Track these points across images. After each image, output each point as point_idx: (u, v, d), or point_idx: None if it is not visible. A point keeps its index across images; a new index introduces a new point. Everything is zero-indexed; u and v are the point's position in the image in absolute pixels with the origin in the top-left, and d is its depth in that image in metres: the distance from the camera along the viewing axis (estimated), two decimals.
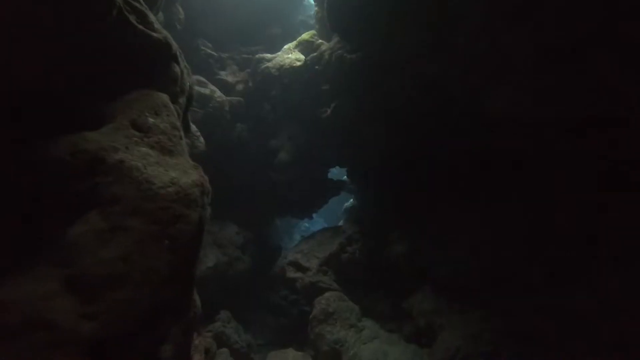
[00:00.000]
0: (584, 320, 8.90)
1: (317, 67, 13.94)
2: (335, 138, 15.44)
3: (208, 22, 15.48)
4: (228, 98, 14.87)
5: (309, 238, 15.08)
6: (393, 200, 14.33)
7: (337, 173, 28.40)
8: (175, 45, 5.68)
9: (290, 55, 14.85)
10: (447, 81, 10.08)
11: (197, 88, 14.11)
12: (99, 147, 3.86)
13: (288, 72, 14.69)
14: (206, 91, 14.31)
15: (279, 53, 15.43)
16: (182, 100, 5.82)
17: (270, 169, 17.26)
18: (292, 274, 14.05)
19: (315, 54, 14.09)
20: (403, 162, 14.25)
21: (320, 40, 14.58)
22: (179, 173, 4.24)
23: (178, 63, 5.79)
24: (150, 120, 4.56)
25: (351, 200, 25.18)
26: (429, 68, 10.23)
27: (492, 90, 8.68)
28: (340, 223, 24.15)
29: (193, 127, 13.61)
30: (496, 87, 8.53)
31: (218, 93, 14.55)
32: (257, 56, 15.60)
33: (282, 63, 14.78)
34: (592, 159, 8.45)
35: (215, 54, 15.12)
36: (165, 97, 5.00)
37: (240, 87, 15.58)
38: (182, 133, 4.92)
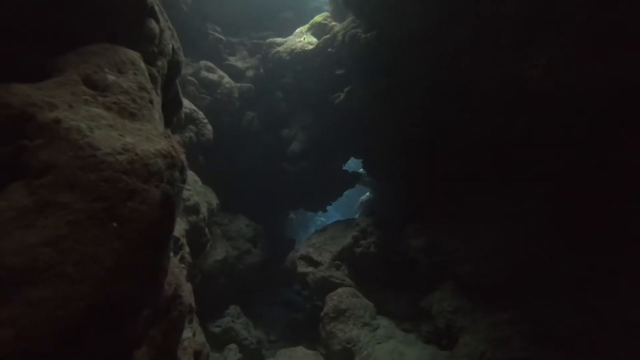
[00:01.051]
0: (628, 324, 7.69)
1: (330, 49, 12.88)
2: (349, 126, 14.39)
3: (218, 6, 14.57)
4: (237, 84, 13.95)
5: (322, 231, 14.07)
6: (410, 191, 13.22)
7: (354, 166, 27.34)
8: None
9: (302, 38, 13.83)
10: (475, 53, 8.90)
11: (204, 73, 13.26)
12: (28, 102, 2.92)
13: (300, 57, 13.68)
14: (214, 77, 13.42)
15: (291, 37, 14.43)
16: (162, 63, 4.88)
17: (282, 159, 16.32)
18: (303, 268, 13.07)
19: (328, 35, 13.04)
20: (421, 151, 13.10)
21: (333, 22, 13.51)
22: (138, 139, 3.28)
23: (157, 20, 4.84)
24: (110, 77, 3.61)
25: (367, 193, 24.08)
26: (454, 40, 9.07)
27: (531, 56, 7.46)
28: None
29: (200, 114, 12.74)
30: (537, 52, 7.30)
31: (227, 79, 13.64)
32: (267, 41, 14.64)
33: (293, 47, 13.77)
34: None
35: (224, 38, 14.20)
36: (134, 55, 4.06)
37: (250, 73, 14.64)
38: (153, 97, 3.96)
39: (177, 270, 5.45)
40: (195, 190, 11.67)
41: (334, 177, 17.23)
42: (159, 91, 4.48)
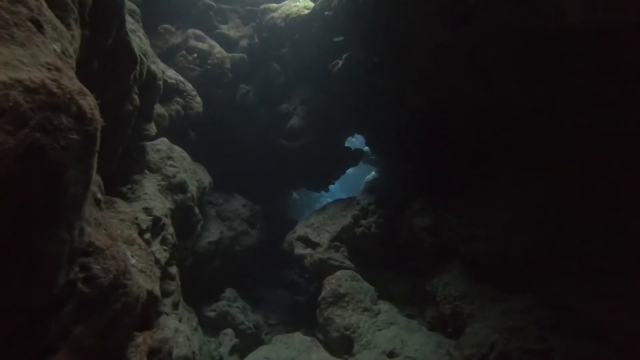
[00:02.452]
0: None
1: (327, 12, 11.55)
2: (350, 98, 13.12)
3: None
4: (229, 54, 12.72)
5: (321, 210, 12.97)
6: (415, 168, 12.01)
7: (359, 143, 26.05)
8: None
9: (298, 2, 12.50)
10: None
11: (193, 42, 12.07)
12: None
13: (295, 23, 12.38)
14: (204, 46, 12.21)
15: (286, 1, 13.10)
16: None
17: (281, 136, 15.15)
18: (300, 250, 12.02)
19: None
20: (427, 124, 11.81)
21: None
22: None
23: None
24: None
25: (373, 172, 22.86)
26: None
27: None
28: None
29: (188, 86, 11.58)
30: None
31: (218, 48, 12.42)
32: (262, 7, 13.34)
33: (288, 12, 12.47)
34: None
35: (214, 4, 12.92)
36: None
37: (244, 43, 13.38)
38: (43, 18, 2.82)
39: (120, 253, 4.40)
40: (183, 167, 10.59)
41: (336, 154, 16.03)
42: (73, 22, 3.36)
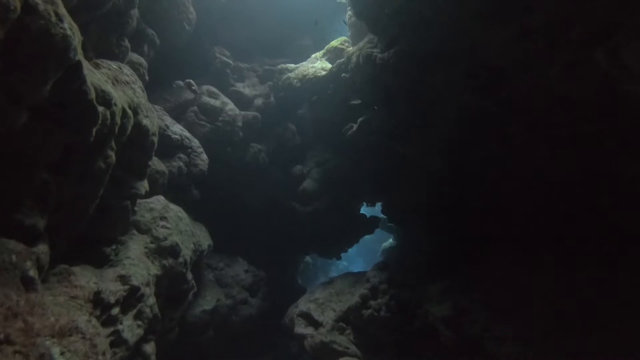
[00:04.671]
0: None
1: (344, 74, 10.84)
2: (366, 162, 12.10)
3: (229, 29, 13.01)
4: (242, 112, 12.06)
5: (327, 284, 11.53)
6: (433, 244, 10.62)
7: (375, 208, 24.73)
8: None
9: (316, 64, 11.93)
10: (527, 68, 6.54)
11: (206, 99, 11.48)
12: None
13: (311, 83, 11.71)
14: (216, 103, 11.60)
15: (304, 63, 12.57)
16: None
17: (293, 198, 14.10)
18: (301, 328, 10.48)
19: (342, 59, 11.03)
20: (448, 198, 10.57)
21: (351, 47, 11.56)
22: None
23: None
24: None
25: (390, 240, 21.31)
26: (493, 55, 6.77)
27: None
28: None
29: (194, 143, 10.81)
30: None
31: (230, 106, 11.79)
32: (279, 67, 12.84)
33: (305, 73, 11.85)
34: None
35: (232, 63, 12.49)
36: None
37: (259, 101, 12.77)
38: None
39: (36, 352, 3.20)
40: (178, 228, 9.53)
41: (351, 221, 14.78)
42: None
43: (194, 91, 11.42)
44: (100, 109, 5.11)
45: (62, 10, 3.44)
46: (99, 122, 4.55)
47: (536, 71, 6.50)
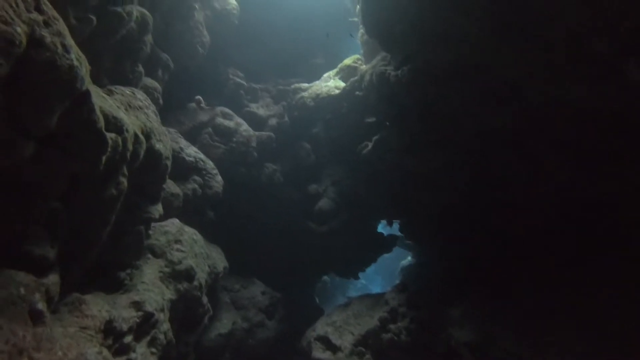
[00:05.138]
0: None
1: (357, 92, 10.75)
2: (382, 181, 11.87)
3: (242, 51, 13.14)
4: (256, 133, 12.05)
5: (345, 306, 11.24)
6: (454, 264, 10.26)
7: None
8: None
9: (329, 82, 11.88)
10: (548, 81, 6.33)
11: (220, 120, 11.52)
12: None
13: (325, 102, 11.66)
14: (230, 124, 11.63)
15: (317, 82, 12.54)
16: None
17: (309, 218, 13.92)
18: (319, 353, 10.18)
19: (355, 78, 10.96)
20: (468, 214, 10.25)
21: (364, 65, 11.49)
22: None
23: None
24: None
25: (409, 257, 20.86)
26: (515, 68, 6.58)
27: None
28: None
29: (209, 164, 10.81)
30: None
31: (244, 127, 11.80)
32: (293, 86, 12.84)
33: (318, 92, 11.81)
34: None
35: (245, 84, 12.57)
36: None
37: (273, 121, 12.76)
38: None
39: None
40: (193, 251, 9.46)
41: (368, 240, 14.49)
42: None
43: (202, 108, 11.50)
44: (112, 135, 5.09)
45: (69, 41, 3.42)
46: (109, 149, 4.51)
47: (558, 85, 6.27)
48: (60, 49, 3.26)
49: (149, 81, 8.73)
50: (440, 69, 7.92)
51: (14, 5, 2.83)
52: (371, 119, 10.91)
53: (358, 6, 9.93)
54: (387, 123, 10.14)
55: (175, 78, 10.37)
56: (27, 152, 3.36)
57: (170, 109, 10.69)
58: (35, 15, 3.06)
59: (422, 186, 10.89)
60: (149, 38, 8.11)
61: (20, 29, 2.84)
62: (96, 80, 6.99)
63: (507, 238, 9.52)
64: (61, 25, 3.40)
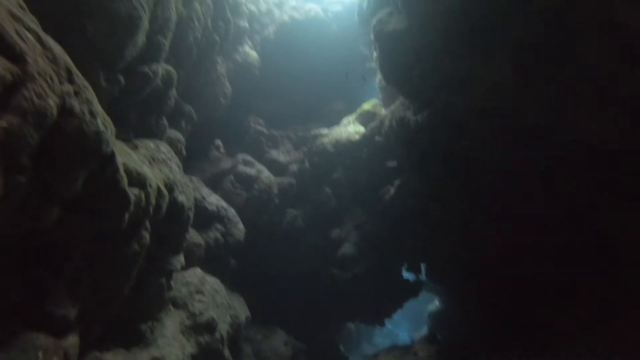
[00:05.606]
0: None
1: (377, 138, 10.82)
2: (406, 225, 11.67)
3: (264, 99, 13.51)
4: (277, 179, 12.17)
5: (371, 358, 10.75)
6: (485, 313, 9.78)
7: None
8: None
9: (349, 128, 12.02)
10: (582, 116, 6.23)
11: (242, 167, 11.69)
12: None
13: (345, 148, 11.75)
14: (252, 171, 11.78)
15: (336, 127, 12.70)
16: None
17: (331, 264, 13.69)
18: None
19: (375, 123, 11.06)
20: (497, 258, 9.89)
21: (383, 110, 11.62)
22: None
23: None
24: None
25: (436, 301, 20.10)
26: (538, 112, 6.52)
27: None
28: (424, 330, 18.96)
29: (231, 212, 10.85)
30: None
31: (266, 173, 11.94)
32: (313, 132, 13.03)
33: (338, 137, 11.94)
34: None
35: (266, 131, 12.83)
36: None
37: (294, 167, 12.88)
38: None
39: None
40: (214, 302, 9.37)
41: (393, 286, 14.08)
42: None
43: (220, 152, 11.73)
44: (135, 191, 5.19)
45: (96, 107, 3.56)
46: (132, 206, 4.58)
47: (586, 126, 6.15)
48: (87, 116, 3.39)
49: (173, 133, 8.99)
50: (461, 114, 7.92)
51: (48, 79, 2.98)
52: (392, 163, 10.88)
53: (375, 53, 10.18)
54: (409, 167, 10.09)
55: (198, 127, 10.67)
56: (53, 217, 3.44)
57: (193, 157, 10.93)
58: (66, 87, 3.21)
59: (446, 231, 10.65)
60: (173, 92, 8.42)
61: (52, 101, 2.98)
62: (122, 135, 7.25)
63: (539, 287, 9.08)
64: (90, 93, 3.55)
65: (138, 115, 7.66)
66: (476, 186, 9.09)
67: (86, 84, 3.55)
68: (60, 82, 3.19)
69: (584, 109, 5.83)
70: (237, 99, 12.24)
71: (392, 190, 10.36)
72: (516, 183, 8.39)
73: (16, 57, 2.77)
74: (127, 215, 4.56)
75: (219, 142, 12.07)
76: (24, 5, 3.53)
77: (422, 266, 14.53)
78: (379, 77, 12.06)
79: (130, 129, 7.51)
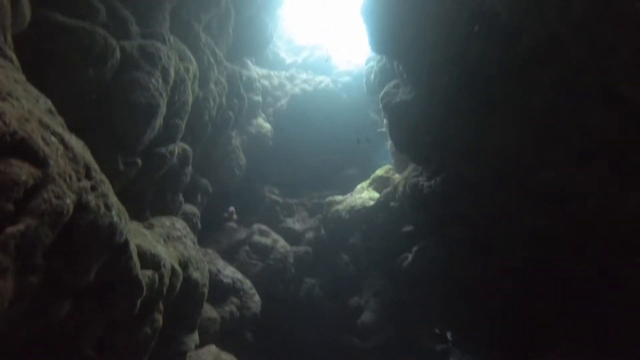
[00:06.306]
0: None
1: (392, 203, 10.84)
2: (427, 291, 11.31)
3: (277, 168, 13.86)
4: (293, 248, 12.14)
5: None
6: None
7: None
8: None
9: (363, 194, 12.12)
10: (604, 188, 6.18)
11: (257, 237, 11.76)
12: None
13: (360, 214, 11.78)
14: (267, 241, 11.82)
15: (351, 194, 12.81)
16: None
17: (351, 333, 13.18)
18: None
19: (388, 189, 11.14)
20: (524, 324, 9.41)
21: (396, 175, 11.75)
22: None
23: None
24: None
25: None
26: (553, 175, 6.51)
27: None
28: None
29: (246, 284, 10.78)
30: None
31: (281, 243, 11.95)
32: (327, 199, 13.14)
33: (353, 204, 12.01)
34: None
35: (281, 200, 13.03)
36: None
37: (309, 235, 12.89)
38: None
39: None
40: None
41: (417, 355, 13.36)
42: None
43: (233, 218, 11.86)
44: (148, 273, 5.26)
45: (112, 199, 3.72)
46: (145, 292, 4.61)
47: (603, 192, 6.09)
48: (102, 209, 3.54)
49: (188, 207, 9.21)
50: (474, 177, 7.95)
51: (67, 179, 3.17)
52: (408, 228, 10.81)
53: (385, 120, 10.52)
54: (426, 232, 9.99)
55: (213, 198, 10.92)
56: (64, 310, 3.49)
57: (209, 228, 11.07)
58: (84, 183, 3.40)
59: (469, 295, 10.29)
60: (189, 169, 8.75)
61: (70, 199, 3.14)
62: (139, 214, 7.46)
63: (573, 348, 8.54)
64: (106, 186, 3.73)
65: (154, 193, 7.92)
66: (496, 249, 8.91)
67: (103, 177, 3.74)
68: (79, 179, 3.37)
69: (601, 177, 5.81)
70: (251, 168, 12.61)
71: (410, 257, 10.19)
72: (536, 245, 8.20)
73: (40, 161, 2.97)
74: (139, 302, 4.58)
75: (232, 209, 12.28)
76: (53, 109, 3.85)
77: (448, 334, 13.86)
78: (390, 142, 12.33)
79: (147, 206, 7.74)
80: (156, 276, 5.45)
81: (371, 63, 11.94)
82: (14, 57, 4.05)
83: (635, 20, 3.57)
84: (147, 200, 7.61)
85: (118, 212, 3.83)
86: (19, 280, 2.76)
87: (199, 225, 9.37)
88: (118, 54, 5.89)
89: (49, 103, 3.88)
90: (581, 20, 4.04)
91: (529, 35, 5.20)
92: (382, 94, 9.04)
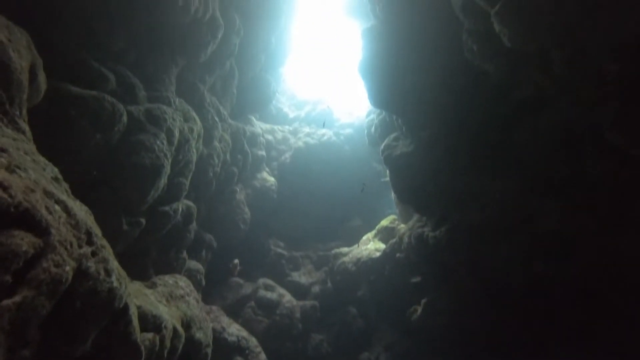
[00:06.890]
0: None
1: (398, 254, 10.73)
2: (437, 343, 10.92)
3: (282, 221, 13.89)
4: (300, 303, 11.91)
5: None
6: None
7: None
8: None
9: (369, 245, 12.03)
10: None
11: (263, 292, 11.60)
12: None
13: (366, 266, 11.64)
14: (273, 296, 11.63)
15: (357, 246, 12.72)
16: None
17: None
18: None
19: (394, 239, 11.08)
20: None
21: (401, 225, 11.72)
22: None
23: None
24: None
25: None
26: (559, 222, 6.49)
27: None
28: None
29: (252, 342, 10.48)
30: None
31: (287, 297, 11.75)
32: (333, 252, 13.03)
33: (359, 256, 11.90)
34: None
35: (286, 253, 12.95)
36: None
37: (316, 289, 12.68)
38: None
39: None
40: None
41: None
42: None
43: (237, 270, 11.75)
44: (149, 336, 5.19)
45: (112, 264, 3.77)
46: (144, 357, 4.54)
47: (611, 237, 6.03)
48: (102, 275, 3.58)
49: (192, 264, 9.19)
50: (479, 227, 7.91)
51: (68, 246, 3.24)
52: (416, 279, 10.63)
53: (388, 171, 10.65)
54: (433, 281, 9.80)
55: (218, 253, 10.90)
56: None
57: (214, 283, 10.96)
58: (85, 250, 3.47)
59: (485, 347, 9.91)
60: (193, 226, 8.82)
61: (69, 267, 3.19)
62: (142, 272, 7.46)
63: None
64: (107, 251, 3.80)
65: (158, 250, 7.96)
66: (506, 297, 8.69)
67: (104, 242, 3.82)
68: (80, 246, 3.44)
69: (608, 224, 5.79)
70: (256, 221, 12.65)
71: (419, 310, 9.93)
72: (548, 292, 8.01)
73: (42, 230, 3.06)
74: None
75: (236, 261, 12.20)
76: (59, 177, 4.00)
77: None
78: (393, 194, 12.41)
79: (150, 264, 7.75)
80: (157, 339, 5.37)
81: (372, 116, 12.31)
82: (27, 129, 4.28)
83: (616, 78, 3.72)
84: (150, 258, 7.63)
85: (118, 276, 3.86)
86: (11, 356, 2.76)
87: (203, 282, 9.31)
88: (125, 119, 6.16)
89: (56, 171, 4.03)
90: (563, 79, 4.21)
91: (519, 90, 5.39)
92: (382, 146, 9.25)
